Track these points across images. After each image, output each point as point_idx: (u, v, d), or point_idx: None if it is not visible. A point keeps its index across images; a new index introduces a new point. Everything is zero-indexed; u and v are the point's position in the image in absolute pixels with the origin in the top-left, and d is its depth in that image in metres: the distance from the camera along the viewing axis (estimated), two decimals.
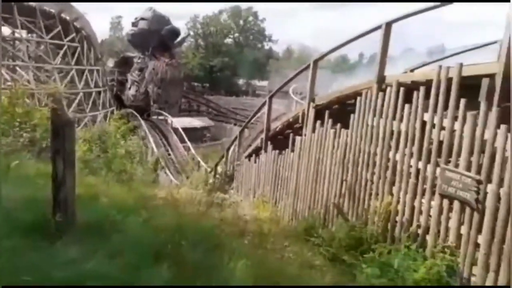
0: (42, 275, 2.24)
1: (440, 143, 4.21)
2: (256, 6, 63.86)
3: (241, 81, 66.94)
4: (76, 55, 33.65)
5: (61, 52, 32.39)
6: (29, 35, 32.82)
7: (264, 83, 64.01)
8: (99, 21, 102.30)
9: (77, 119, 29.05)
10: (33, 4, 30.48)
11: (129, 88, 43.65)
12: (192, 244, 3.00)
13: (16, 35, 31.47)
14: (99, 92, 35.56)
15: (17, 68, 29.39)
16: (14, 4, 28.84)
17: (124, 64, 46.14)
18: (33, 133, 8.05)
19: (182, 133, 31.84)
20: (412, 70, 7.84)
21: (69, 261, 2.45)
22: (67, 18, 33.58)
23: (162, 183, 14.94)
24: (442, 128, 4.18)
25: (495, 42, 6.90)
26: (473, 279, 3.78)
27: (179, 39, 46.79)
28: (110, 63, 50.28)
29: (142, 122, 32.84)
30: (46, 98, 17.51)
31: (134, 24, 44.31)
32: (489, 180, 3.69)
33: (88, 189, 4.38)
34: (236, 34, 64.85)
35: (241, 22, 64.07)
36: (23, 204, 3.36)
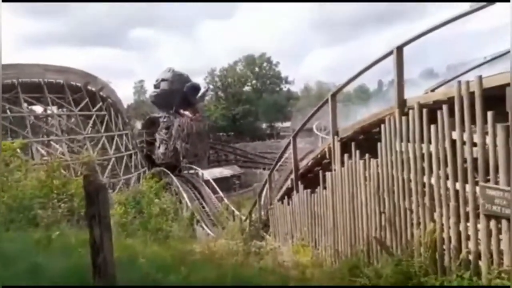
0: None
1: (475, 160, 4.04)
2: (268, 51, 66.14)
3: (264, 125, 67.89)
4: (105, 122, 35.30)
5: (91, 121, 34.11)
6: (60, 110, 34.85)
7: (287, 124, 64.64)
8: (123, 87, 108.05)
9: (112, 183, 29.94)
10: (61, 81, 32.60)
11: (158, 147, 45.00)
12: None
13: (48, 111, 33.49)
14: (130, 155, 36.78)
15: (51, 143, 30.97)
16: (43, 84, 30.96)
17: (151, 125, 47.98)
18: (70, 203, 8.33)
19: (214, 184, 32.04)
20: (433, 90, 7.75)
21: None
22: (93, 89, 35.65)
23: (199, 237, 14.87)
24: (474, 144, 4.04)
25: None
26: None
27: (200, 94, 48.46)
28: (138, 125, 52.37)
29: (174, 178, 33.37)
30: (81, 167, 18.25)
31: (156, 86, 46.42)
32: None
33: (127, 251, 4.42)
34: (254, 81, 66.79)
35: (257, 69, 66.12)
36: (65, 273, 3.42)
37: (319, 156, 8.21)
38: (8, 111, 30.35)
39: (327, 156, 7.55)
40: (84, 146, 31.58)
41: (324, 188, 7.08)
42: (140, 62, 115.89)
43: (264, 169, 41.08)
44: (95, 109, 34.73)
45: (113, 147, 34.66)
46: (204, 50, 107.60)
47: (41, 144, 30.00)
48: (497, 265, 3.81)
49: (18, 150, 13.68)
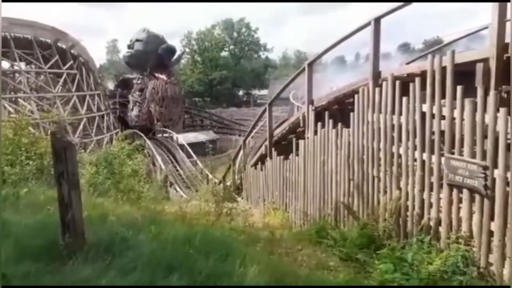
0: None
1: (442, 132, 4.19)
2: (246, 17, 64.56)
3: (241, 92, 67.32)
4: (76, 81, 34.05)
5: (61, 80, 32.81)
6: (28, 66, 33.30)
7: (265, 91, 64.28)
8: (95, 46, 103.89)
9: (84, 144, 29.33)
10: (29, 36, 30.96)
11: (132, 109, 44.03)
12: (204, 254, 3.00)
13: (15, 67, 31.94)
14: (102, 116, 35.86)
15: (20, 100, 29.75)
16: (10, 38, 29.33)
17: (125, 86, 46.59)
18: (40, 161, 8.14)
19: (188, 148, 31.92)
20: (408, 64, 7.86)
21: (81, 280, 2.46)
22: (64, 46, 34.06)
23: (173, 199, 14.95)
24: (442, 117, 4.17)
25: (486, 27, 6.90)
26: (490, 267, 3.73)
27: (175, 56, 47.18)
28: (111, 86, 50.84)
29: (148, 141, 32.98)
30: (51, 126, 17.72)
31: (129, 47, 44.79)
32: (495, 165, 3.65)
33: (97, 209, 4.41)
34: (232, 47, 65.41)
35: (235, 34, 64.63)
36: (33, 230, 3.39)
37: (293, 124, 8.28)
38: None
39: (301, 124, 7.63)
40: (54, 105, 30.52)
41: (297, 155, 7.21)
42: (113, 21, 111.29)
43: (239, 135, 41.09)
44: (65, 67, 33.28)
45: (85, 107, 33.65)
46: (181, 11, 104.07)
47: (8, 101, 28.75)
48: (455, 231, 4.05)
49: None
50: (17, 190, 5.21)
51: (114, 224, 3.67)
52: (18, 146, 8.21)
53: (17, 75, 32.74)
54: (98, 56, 65.58)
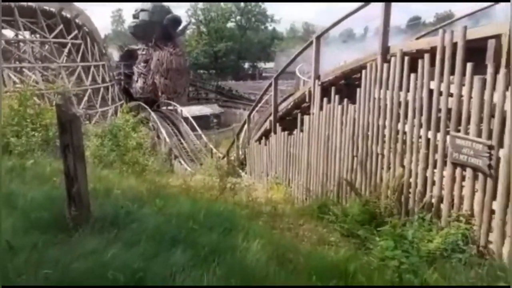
0: (63, 267, 2.32)
1: (449, 110, 4.14)
2: None
3: (247, 65, 66.53)
4: (81, 52, 33.80)
5: (66, 50, 32.56)
6: (32, 35, 33.00)
7: (271, 64, 63.53)
8: (99, 16, 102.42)
9: (88, 115, 29.40)
10: (33, 4, 30.54)
11: (137, 81, 43.82)
12: (207, 228, 3.05)
13: (20, 37, 31.68)
14: (107, 87, 35.79)
15: (24, 70, 29.66)
16: (14, 6, 28.95)
17: (130, 57, 46.21)
18: (45, 133, 8.19)
19: (193, 121, 31.93)
20: (417, 38, 7.69)
21: (88, 252, 2.52)
22: (68, 15, 33.63)
23: (177, 172, 15.10)
24: (450, 95, 4.11)
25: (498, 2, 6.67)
26: (489, 246, 3.77)
27: (181, 27, 46.45)
28: (116, 57, 50.43)
29: (152, 113, 33.02)
30: (55, 97, 17.72)
31: (135, 16, 44.14)
32: (500, 145, 3.62)
33: (103, 182, 4.46)
34: (238, 17, 64.14)
35: (242, 4, 63.24)
36: (40, 202, 3.45)
37: (298, 99, 8.21)
38: None
39: (307, 99, 7.56)
40: (59, 75, 30.41)
41: (301, 130, 7.18)
42: None
43: (244, 109, 40.98)
44: (70, 37, 32.98)
45: (90, 78, 33.52)
46: None
47: (13, 70, 28.67)
48: (456, 209, 4.07)
49: None
50: (23, 161, 5.27)
51: (119, 197, 3.72)
52: (23, 117, 8.23)
53: (21, 44, 32.48)
54: (103, 25, 64.75)
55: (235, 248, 2.77)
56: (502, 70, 3.61)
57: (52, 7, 32.20)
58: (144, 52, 43.82)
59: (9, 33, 32.62)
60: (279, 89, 9.59)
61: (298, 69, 31.46)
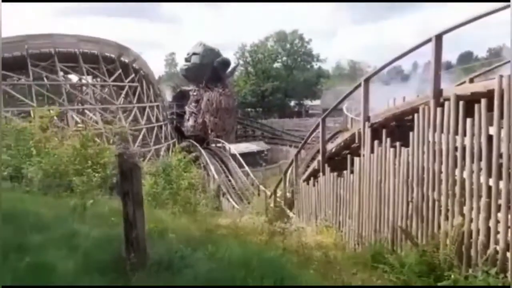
0: None
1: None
2: (299, 28, 64.68)
3: (293, 103, 67.28)
4: (137, 94, 36.00)
5: (123, 92, 34.84)
6: (94, 80, 35.74)
7: (317, 102, 63.78)
8: (153, 60, 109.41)
9: (143, 153, 30.79)
10: (95, 51, 33.27)
11: (188, 120, 45.77)
12: (259, 277, 3.04)
13: (83, 81, 34.42)
14: (160, 126, 37.57)
15: (86, 111, 31.95)
16: (79, 53, 31.69)
17: (182, 97, 48.71)
18: (103, 171, 8.65)
19: (240, 158, 32.39)
20: (471, 79, 7.46)
21: None
22: (126, 60, 36.22)
23: (225, 209, 15.23)
24: None
25: None
26: None
27: (230, 69, 48.41)
28: (169, 97, 53.14)
29: (203, 151, 34.02)
30: (113, 137, 18.84)
31: (187, 60, 46.65)
32: None
33: (157, 224, 4.61)
34: (284, 58, 65.79)
35: (288, 45, 64.98)
36: (99, 242, 3.62)
37: (348, 140, 8.14)
38: (45, 78, 31.39)
39: (356, 140, 7.48)
40: (117, 116, 32.41)
41: (351, 172, 7.05)
42: (170, 35, 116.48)
43: (290, 146, 41.14)
44: (127, 80, 35.39)
45: (145, 118, 35.42)
46: (235, 25, 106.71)
47: (76, 112, 31.01)
48: None
49: (55, 118, 14.25)
50: (84, 201, 5.59)
51: (173, 240, 3.82)
52: (84, 157, 8.78)
53: (84, 88, 35.23)
54: (157, 68, 68.87)
55: None
56: None
57: (111, 53, 34.89)
58: (195, 93, 45.94)
59: (73, 78, 35.64)
60: (326, 125, 9.56)
61: (346, 106, 31.31)
